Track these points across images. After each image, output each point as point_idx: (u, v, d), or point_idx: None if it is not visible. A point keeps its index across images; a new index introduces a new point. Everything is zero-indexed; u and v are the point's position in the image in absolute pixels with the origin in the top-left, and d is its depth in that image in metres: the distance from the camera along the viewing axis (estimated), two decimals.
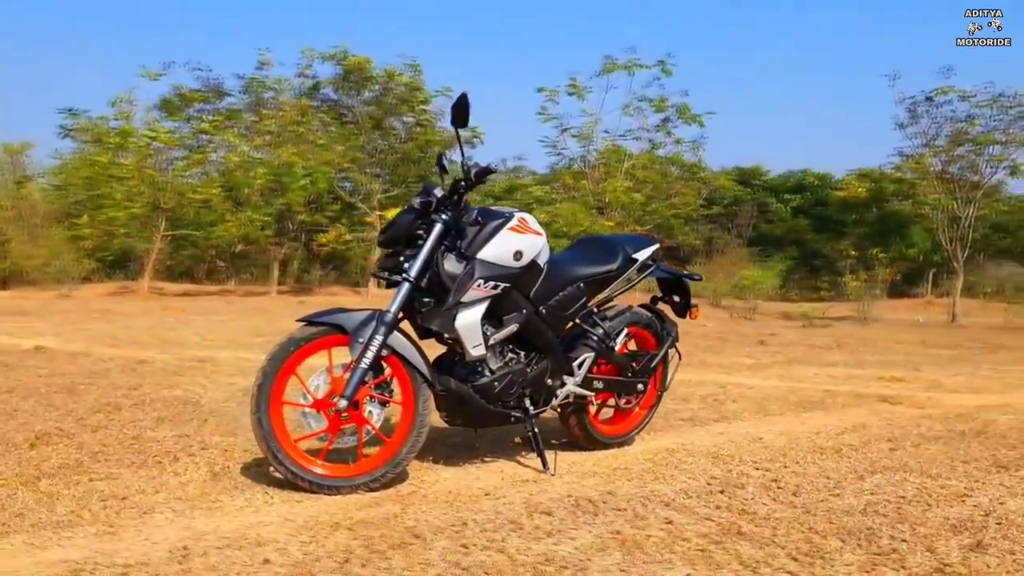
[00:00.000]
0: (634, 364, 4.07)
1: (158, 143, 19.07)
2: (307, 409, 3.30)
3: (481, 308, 3.45)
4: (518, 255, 3.52)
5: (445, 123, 22.14)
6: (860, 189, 27.20)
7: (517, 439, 4.32)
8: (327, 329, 3.31)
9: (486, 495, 3.26)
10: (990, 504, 3.26)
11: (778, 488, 3.42)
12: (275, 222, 20.22)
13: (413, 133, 21.69)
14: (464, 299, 3.40)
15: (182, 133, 20.47)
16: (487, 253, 3.45)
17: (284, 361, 3.26)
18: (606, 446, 4.10)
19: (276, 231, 20.73)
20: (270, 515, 2.98)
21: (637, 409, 4.20)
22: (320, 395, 3.29)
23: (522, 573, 2.43)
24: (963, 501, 3.30)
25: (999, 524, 3.02)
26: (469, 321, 3.42)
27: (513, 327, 3.58)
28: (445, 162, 3.79)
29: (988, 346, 11.50)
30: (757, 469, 3.74)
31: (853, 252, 20.37)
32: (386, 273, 3.46)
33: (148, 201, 18.68)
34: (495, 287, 3.45)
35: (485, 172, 3.48)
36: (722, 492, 3.33)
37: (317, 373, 3.34)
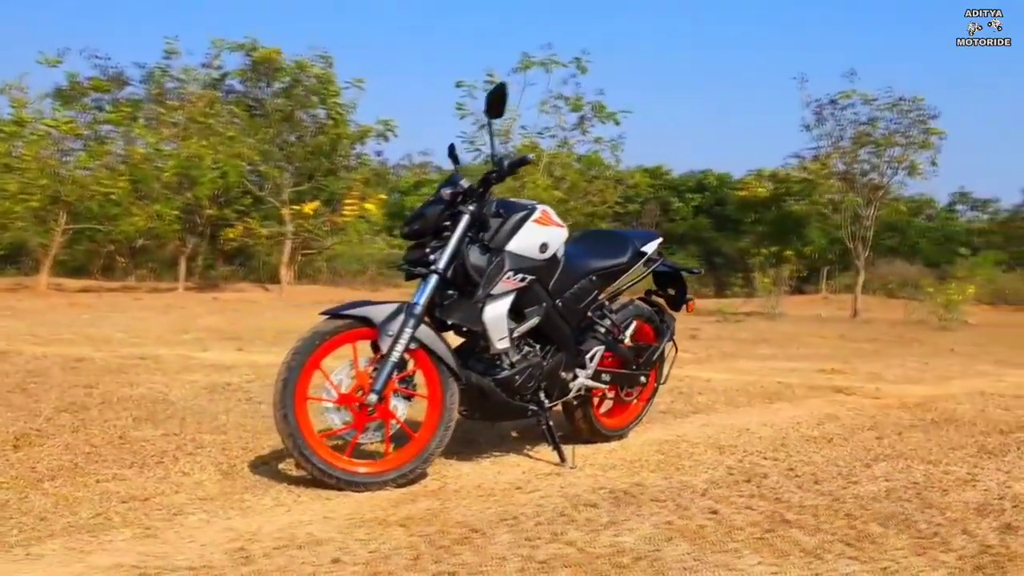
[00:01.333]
0: (638, 357, 4.09)
1: (58, 133, 18.23)
2: (331, 404, 3.21)
3: (508, 301, 3.41)
4: (543, 247, 3.50)
5: (355, 117, 21.85)
6: (760, 189, 28.05)
7: (514, 433, 4.30)
8: (353, 322, 3.22)
9: (518, 489, 3.22)
10: (999, 488, 3.40)
11: (797, 477, 3.49)
12: (182, 216, 19.57)
13: (324, 127, 21.28)
14: (493, 291, 3.36)
15: (79, 123, 19.61)
16: (515, 245, 3.41)
17: (309, 355, 3.15)
18: (607, 439, 4.11)
19: (183, 225, 20.08)
20: (306, 514, 2.88)
21: (635, 402, 4.23)
22: (345, 390, 3.20)
23: (600, 565, 2.41)
24: (973, 486, 3.43)
25: (1015, 507, 3.15)
26: (496, 314, 3.38)
27: (535, 320, 3.56)
28: (457, 153, 3.74)
29: (902, 340, 12.01)
30: (766, 459, 3.81)
31: (764, 251, 20.99)
32: (409, 265, 3.39)
33: (47, 194, 17.81)
34: (523, 279, 3.43)
35: (520, 163, 3.44)
36: (748, 482, 3.38)
37: (340, 367, 3.25)
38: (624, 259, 3.95)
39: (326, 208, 21.37)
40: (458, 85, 18.17)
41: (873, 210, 18.94)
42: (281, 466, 3.51)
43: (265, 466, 3.51)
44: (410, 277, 3.41)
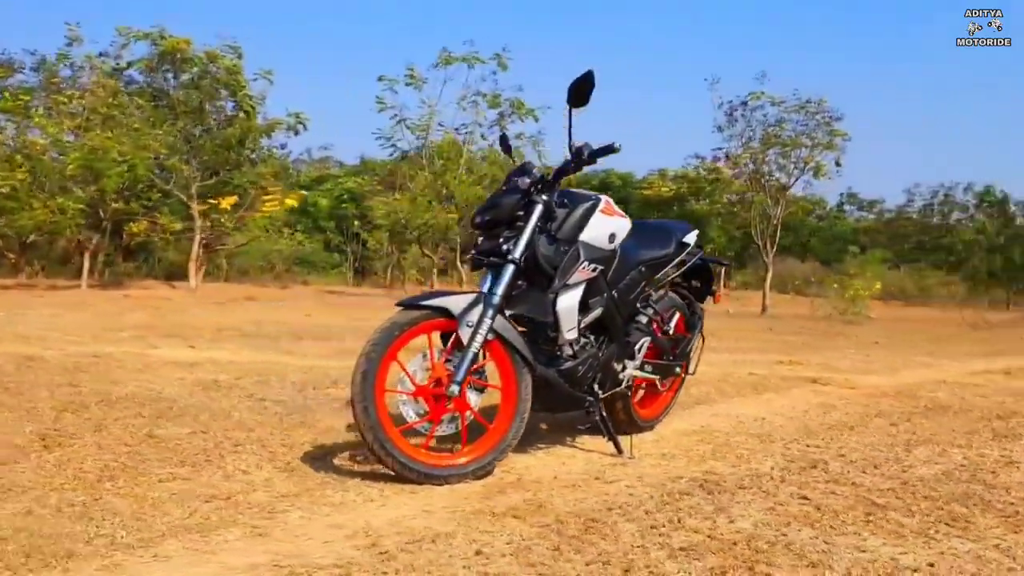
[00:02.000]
0: (674, 348, 4.13)
1: None
2: (406, 396, 3.14)
3: (579, 291, 3.40)
4: (612, 237, 3.50)
5: (264, 109, 21.29)
6: (664, 188, 28.67)
7: (544, 425, 4.28)
8: (430, 313, 3.15)
9: (596, 479, 3.21)
10: None
11: (853, 463, 3.58)
12: (86, 210, 18.69)
13: (234, 119, 20.63)
14: (569, 281, 3.34)
15: None
16: (587, 235, 3.40)
17: (388, 347, 3.07)
18: (640, 429, 4.12)
19: (85, 220, 19.18)
20: (402, 508, 2.80)
21: (665, 392, 4.27)
22: (420, 381, 3.13)
23: (741, 550, 2.42)
24: (1016, 468, 3.58)
25: None
26: (569, 304, 3.36)
27: (599, 311, 3.55)
28: (510, 143, 3.70)
29: (827, 334, 12.46)
30: (808, 446, 3.90)
31: None
32: (481, 255, 3.33)
33: None
34: (594, 269, 3.42)
35: (604, 151, 3.41)
36: (814, 468, 3.44)
37: (414, 359, 3.17)
38: (670, 250, 3.98)
39: (240, 204, 20.74)
40: (380, 79, 17.95)
41: (780, 209, 19.59)
42: (336, 461, 3.41)
43: (319, 461, 3.40)
44: (477, 267, 3.36)
